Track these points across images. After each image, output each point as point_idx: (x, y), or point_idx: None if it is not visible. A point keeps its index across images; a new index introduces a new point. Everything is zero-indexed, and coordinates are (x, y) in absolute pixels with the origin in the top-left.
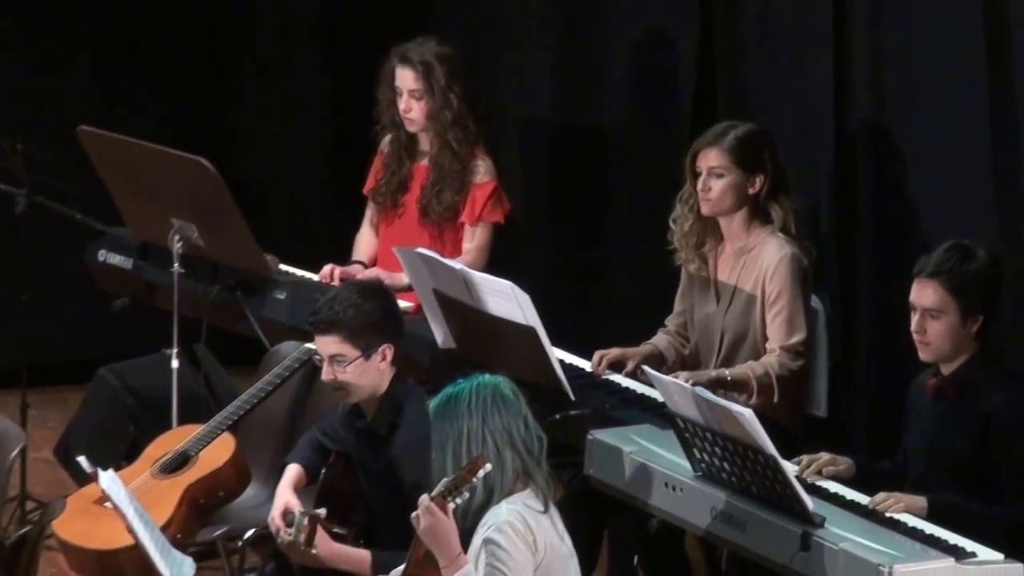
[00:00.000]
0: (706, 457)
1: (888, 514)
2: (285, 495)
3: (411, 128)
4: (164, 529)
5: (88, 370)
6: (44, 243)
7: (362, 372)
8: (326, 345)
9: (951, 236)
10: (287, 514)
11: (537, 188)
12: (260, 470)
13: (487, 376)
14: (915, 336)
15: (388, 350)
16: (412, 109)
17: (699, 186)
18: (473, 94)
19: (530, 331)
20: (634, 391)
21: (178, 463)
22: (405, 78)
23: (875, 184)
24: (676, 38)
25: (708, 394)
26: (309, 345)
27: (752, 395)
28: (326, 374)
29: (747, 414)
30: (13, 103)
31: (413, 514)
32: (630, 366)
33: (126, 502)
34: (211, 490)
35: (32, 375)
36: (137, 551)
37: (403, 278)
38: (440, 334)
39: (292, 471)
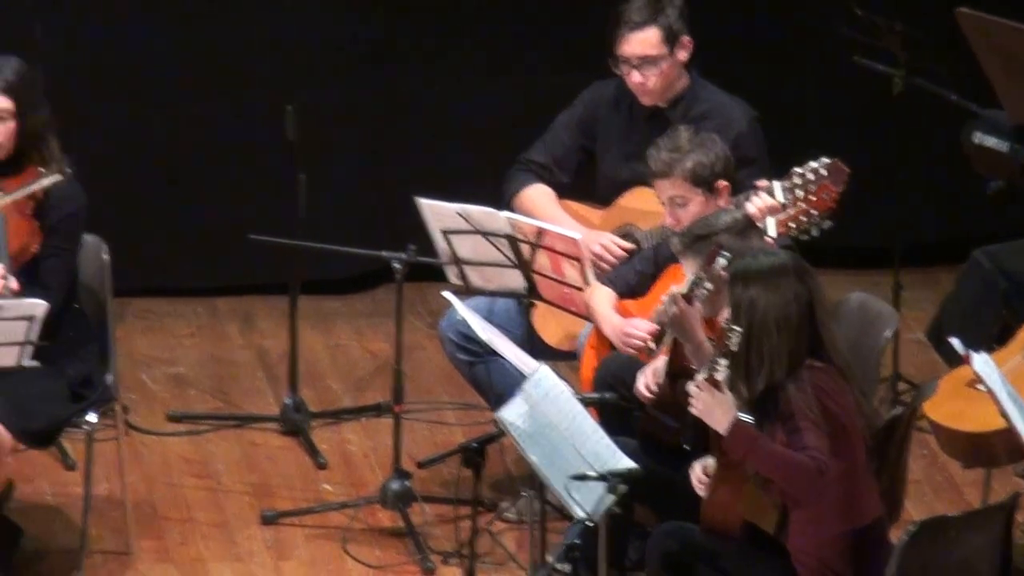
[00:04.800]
0: None
1: None
2: None
3: None
4: None
5: (961, 251)
6: (920, 123)
7: None
8: None
9: None
10: None
11: None
12: None
13: None
14: None
15: None
16: None
17: None
18: None
19: None
20: None
21: None
22: None
23: None
24: None
25: None
26: None
27: None
28: None
29: None
30: None
31: None
32: None
33: (999, 385)
34: None
35: (906, 255)
36: (1009, 434)
37: None
38: None
39: None
